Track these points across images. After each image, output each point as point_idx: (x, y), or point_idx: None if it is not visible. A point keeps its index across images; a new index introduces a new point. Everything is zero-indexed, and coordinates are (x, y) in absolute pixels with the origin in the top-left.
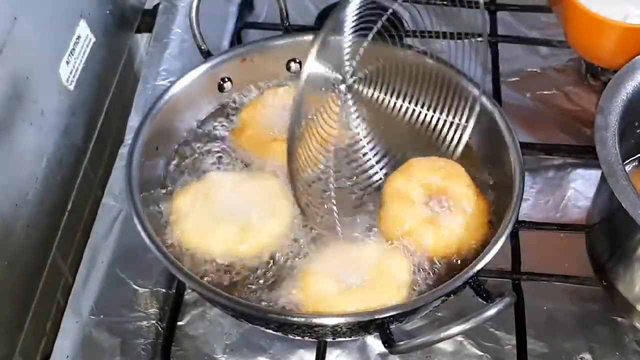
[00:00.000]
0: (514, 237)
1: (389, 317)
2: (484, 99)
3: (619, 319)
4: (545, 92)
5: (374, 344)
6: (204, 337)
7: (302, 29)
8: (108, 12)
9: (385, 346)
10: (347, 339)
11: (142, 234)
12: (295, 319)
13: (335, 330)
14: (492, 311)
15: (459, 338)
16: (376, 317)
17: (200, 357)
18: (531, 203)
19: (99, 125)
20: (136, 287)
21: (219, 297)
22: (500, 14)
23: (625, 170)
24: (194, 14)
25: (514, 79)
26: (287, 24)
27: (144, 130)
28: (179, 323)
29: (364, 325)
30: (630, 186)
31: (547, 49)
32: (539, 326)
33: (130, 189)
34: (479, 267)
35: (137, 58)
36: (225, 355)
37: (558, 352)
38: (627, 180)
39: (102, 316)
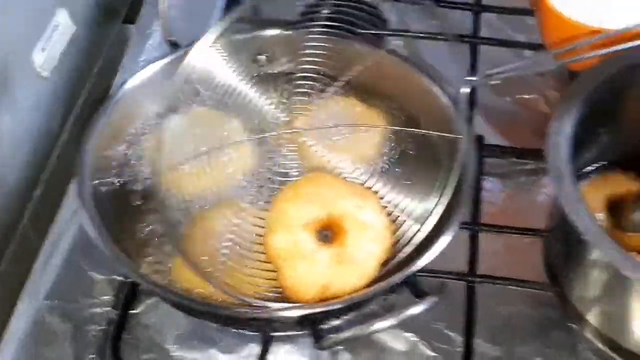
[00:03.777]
0: (473, 239)
1: (319, 313)
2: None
3: (574, 326)
4: (525, 96)
5: None
6: (156, 326)
7: (273, 23)
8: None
9: (314, 343)
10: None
11: (90, 227)
12: (219, 311)
13: (269, 324)
14: (416, 309)
15: (413, 338)
16: (301, 313)
17: (151, 346)
18: (500, 206)
19: (75, 114)
20: (93, 274)
21: (152, 287)
22: (486, 16)
23: (574, 178)
24: (165, 4)
25: (496, 82)
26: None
27: (99, 124)
28: (134, 311)
29: (297, 322)
30: (577, 194)
31: (531, 52)
32: (495, 330)
33: (81, 186)
34: (412, 270)
35: (124, 48)
36: (175, 346)
37: (511, 356)
38: (575, 188)
39: (56, 301)
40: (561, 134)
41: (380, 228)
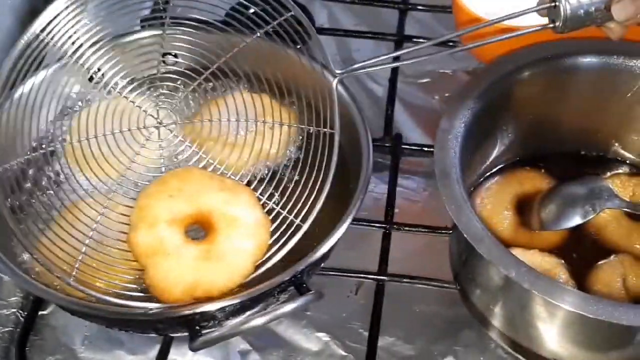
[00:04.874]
0: (385, 238)
1: (197, 314)
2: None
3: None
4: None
5: (236, 340)
6: (64, 327)
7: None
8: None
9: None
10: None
11: None
12: (78, 308)
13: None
14: (290, 306)
15: (326, 338)
16: (179, 314)
17: (58, 347)
18: (422, 205)
19: None
20: (2, 276)
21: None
22: (418, 14)
23: (460, 176)
24: None
25: (425, 80)
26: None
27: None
28: (42, 313)
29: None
30: (462, 193)
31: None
32: (408, 328)
33: None
34: (297, 269)
35: None
36: (83, 347)
37: (423, 355)
38: (460, 187)
39: None
40: (451, 132)
41: (253, 224)
